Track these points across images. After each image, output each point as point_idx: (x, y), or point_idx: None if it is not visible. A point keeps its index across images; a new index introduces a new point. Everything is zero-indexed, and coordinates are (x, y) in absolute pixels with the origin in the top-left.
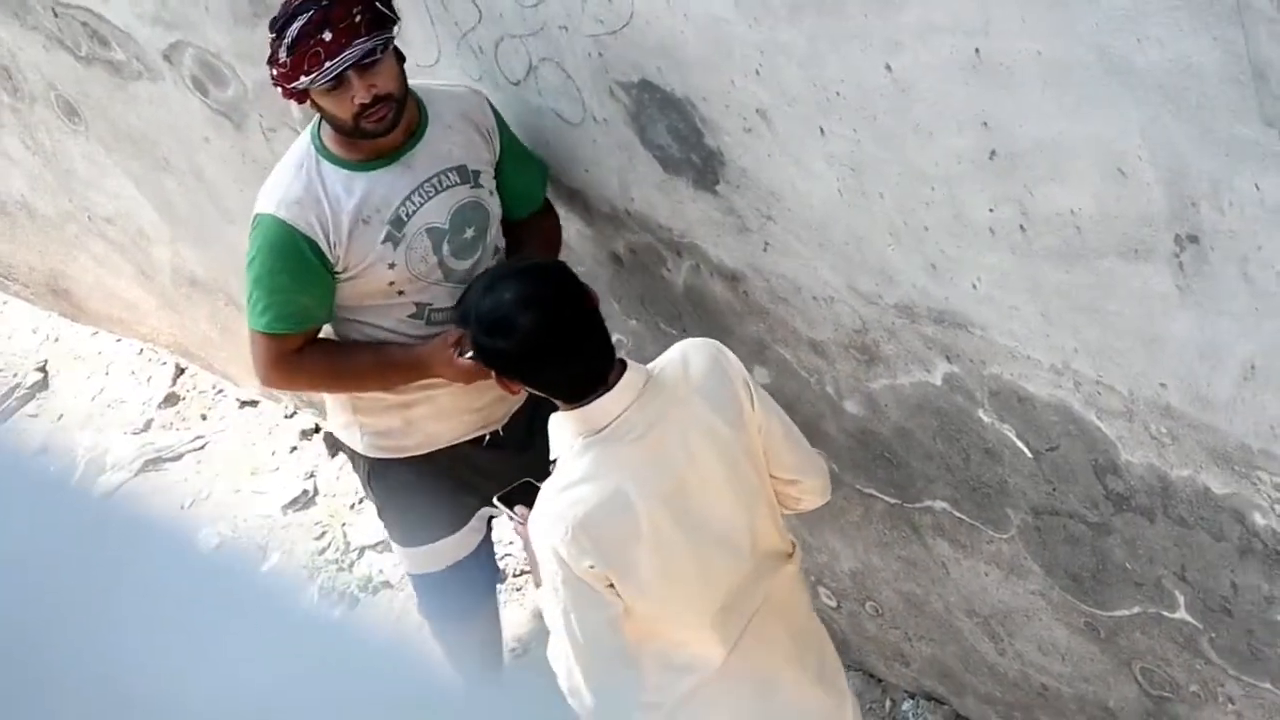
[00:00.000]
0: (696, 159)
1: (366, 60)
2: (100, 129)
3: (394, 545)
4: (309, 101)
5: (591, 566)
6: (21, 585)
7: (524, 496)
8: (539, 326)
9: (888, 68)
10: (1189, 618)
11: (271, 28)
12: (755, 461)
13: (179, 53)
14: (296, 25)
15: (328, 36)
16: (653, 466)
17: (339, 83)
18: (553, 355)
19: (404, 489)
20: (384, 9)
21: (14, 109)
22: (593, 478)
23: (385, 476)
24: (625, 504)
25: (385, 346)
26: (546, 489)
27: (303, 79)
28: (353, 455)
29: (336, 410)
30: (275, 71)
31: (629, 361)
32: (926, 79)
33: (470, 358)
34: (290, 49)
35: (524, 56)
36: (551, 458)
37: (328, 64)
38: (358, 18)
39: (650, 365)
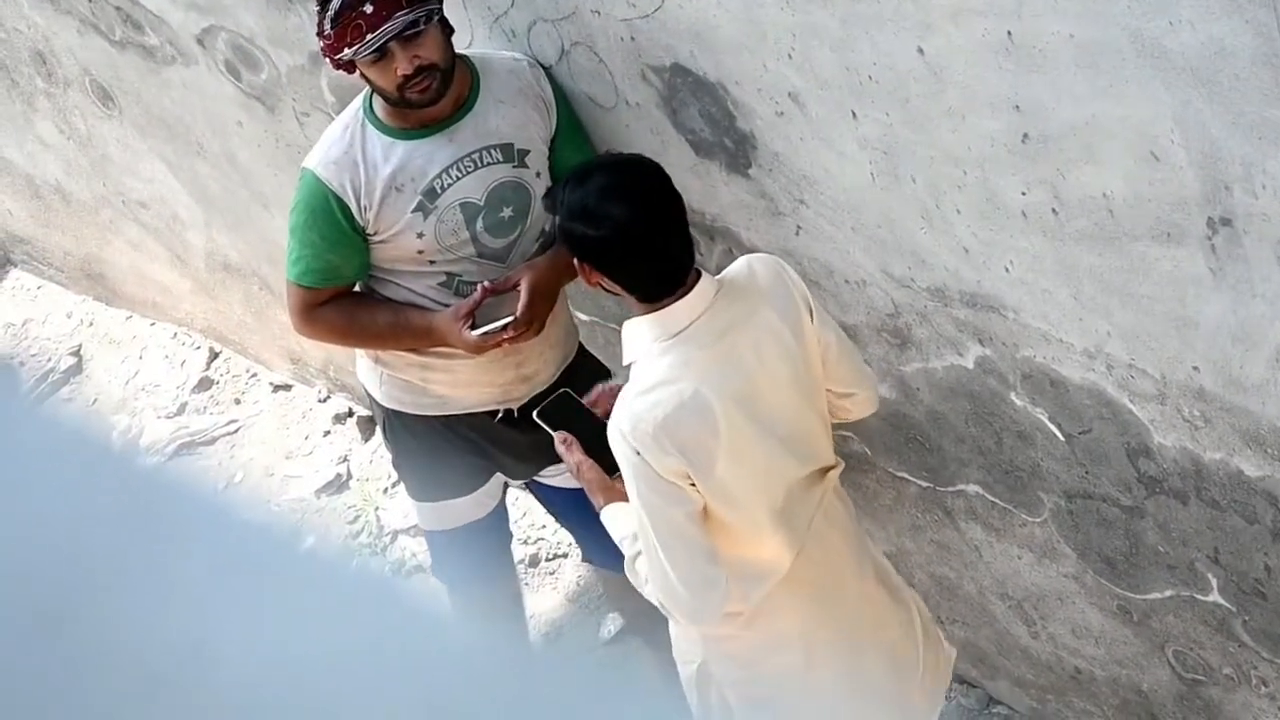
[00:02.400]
0: (729, 143)
1: (409, 32)
2: (134, 114)
3: (408, 497)
4: (357, 71)
5: (675, 464)
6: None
7: (564, 411)
8: (630, 216)
9: (920, 51)
10: (1222, 600)
11: (316, 0)
12: (814, 373)
13: (212, 37)
14: None
15: (369, 9)
16: (727, 368)
17: (382, 54)
18: (641, 247)
19: (418, 444)
20: None
21: (48, 94)
22: (672, 380)
23: (400, 429)
24: (704, 404)
25: (403, 310)
26: (624, 394)
27: (346, 51)
28: (373, 401)
29: (362, 353)
30: (321, 43)
31: (701, 270)
32: (959, 62)
33: (480, 334)
34: (334, 21)
35: (556, 40)
36: (625, 363)
37: (369, 36)
38: None
39: (719, 275)
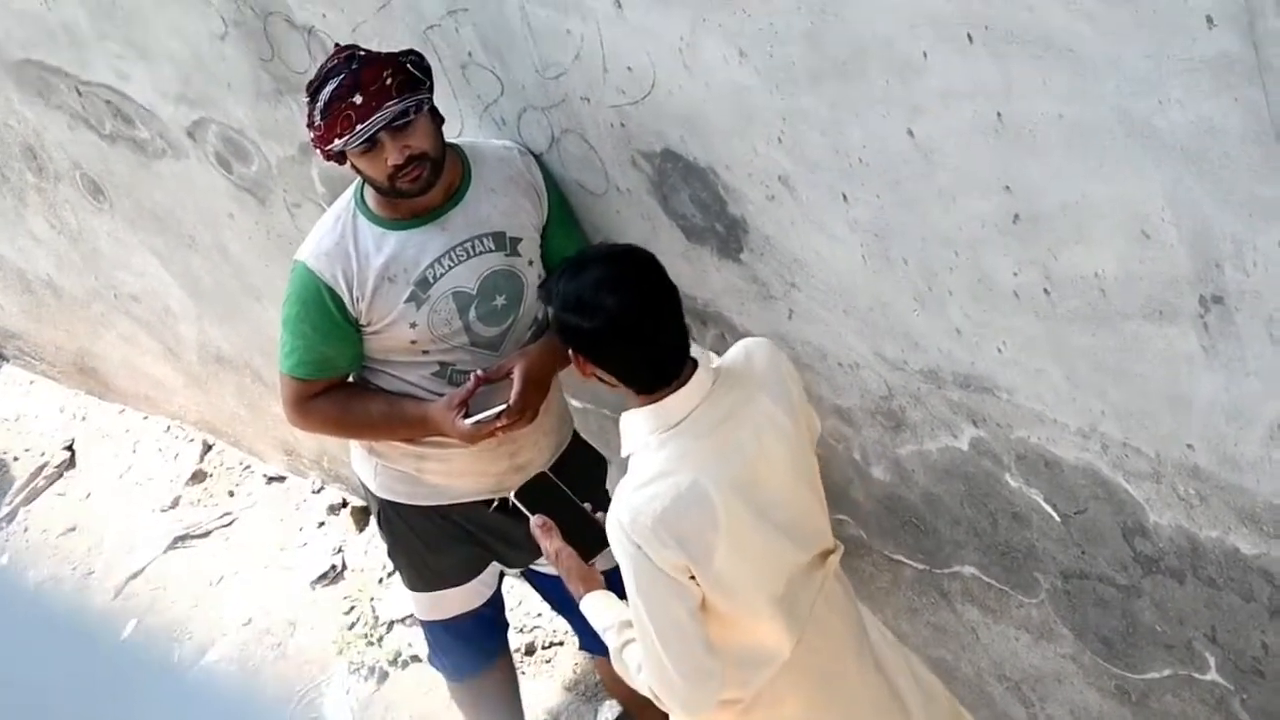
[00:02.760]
0: (720, 227)
1: (399, 121)
2: (125, 207)
3: (404, 587)
4: (347, 162)
5: (674, 557)
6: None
7: (540, 494)
8: (625, 307)
9: (910, 133)
10: (1220, 679)
11: (307, 91)
12: (808, 453)
13: (202, 129)
14: (328, 89)
15: (359, 100)
16: (726, 458)
17: (373, 144)
18: (635, 338)
19: (414, 535)
20: (415, 71)
21: (39, 188)
22: (671, 472)
23: (395, 520)
24: (702, 495)
25: (397, 400)
26: (623, 487)
27: (337, 142)
28: (368, 492)
29: (357, 444)
30: (312, 134)
31: (698, 359)
32: (949, 143)
33: (474, 422)
34: (324, 112)
35: (546, 128)
36: (623, 455)
37: (359, 126)
38: (388, 80)
39: (715, 363)
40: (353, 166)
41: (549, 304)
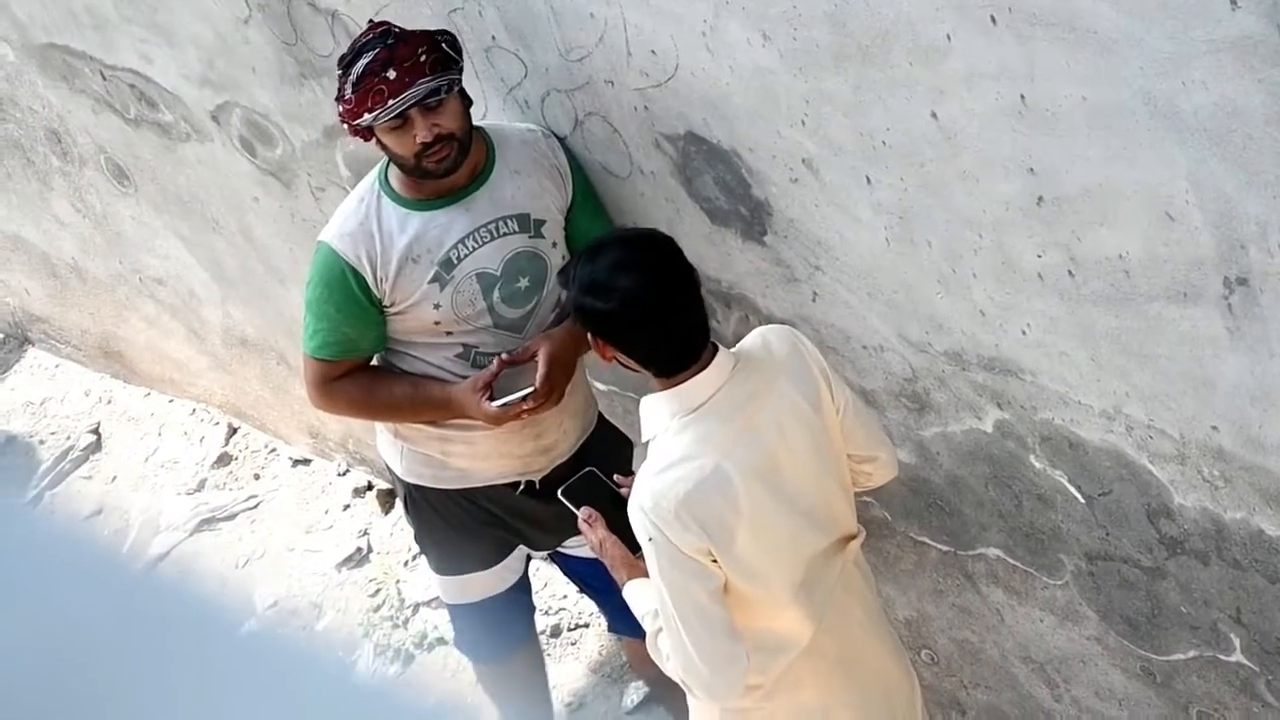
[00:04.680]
0: (744, 210)
1: (430, 100)
2: (149, 191)
3: (430, 570)
4: (374, 139)
5: (696, 541)
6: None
7: (588, 489)
8: (641, 289)
9: (933, 115)
10: (1245, 660)
11: (339, 64)
12: (834, 442)
13: (227, 113)
14: (362, 62)
15: (392, 75)
16: (748, 442)
17: (402, 121)
18: (653, 321)
19: (440, 518)
20: (449, 50)
21: (64, 172)
22: (692, 456)
23: (421, 503)
24: (725, 479)
25: (420, 382)
26: (644, 471)
27: (366, 116)
28: (394, 476)
29: (382, 428)
30: (341, 108)
31: (717, 344)
32: (972, 126)
33: (499, 405)
34: (355, 85)
35: (570, 111)
36: (644, 439)
37: (391, 102)
38: (423, 57)
39: (734, 349)
40: (379, 143)
41: (567, 288)
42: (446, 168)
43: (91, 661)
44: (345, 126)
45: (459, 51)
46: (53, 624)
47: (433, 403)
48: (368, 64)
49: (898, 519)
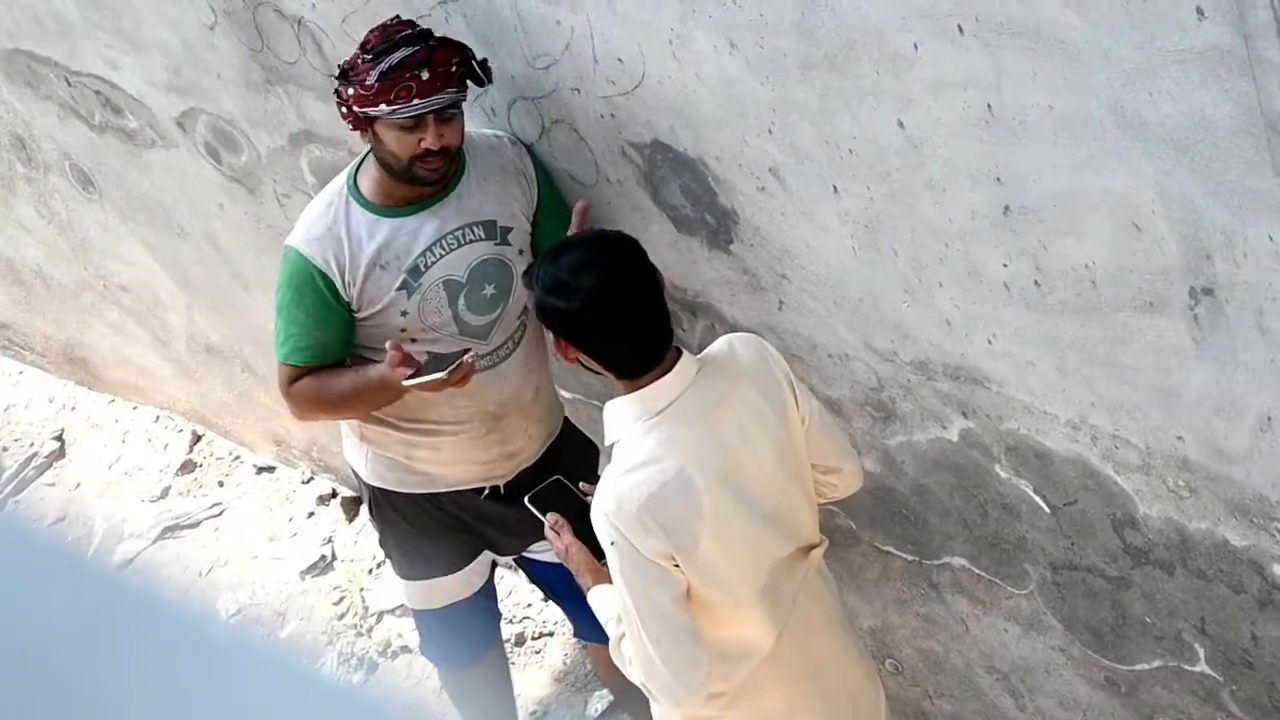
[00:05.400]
0: (710, 219)
1: (448, 111)
2: (114, 197)
3: (395, 576)
4: (370, 132)
5: (658, 545)
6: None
7: (556, 497)
8: (604, 288)
9: (900, 124)
10: (1210, 670)
11: (365, 49)
12: (798, 451)
13: (192, 120)
14: (399, 55)
15: (425, 75)
16: (711, 446)
17: (415, 123)
18: (616, 321)
19: (405, 523)
20: (479, 69)
21: (29, 178)
22: (656, 459)
23: (386, 507)
24: (688, 482)
25: (362, 369)
26: (608, 475)
27: (383, 107)
28: (359, 480)
29: (348, 432)
30: (353, 91)
31: (681, 348)
32: (939, 135)
33: (418, 383)
34: (384, 75)
35: (537, 118)
36: (608, 443)
37: (416, 101)
38: (454, 68)
39: (699, 354)
40: (373, 137)
41: (531, 289)
42: (434, 179)
43: (54, 668)
44: (342, 109)
45: (489, 75)
46: (16, 629)
47: (370, 383)
48: (405, 58)
49: (863, 528)
